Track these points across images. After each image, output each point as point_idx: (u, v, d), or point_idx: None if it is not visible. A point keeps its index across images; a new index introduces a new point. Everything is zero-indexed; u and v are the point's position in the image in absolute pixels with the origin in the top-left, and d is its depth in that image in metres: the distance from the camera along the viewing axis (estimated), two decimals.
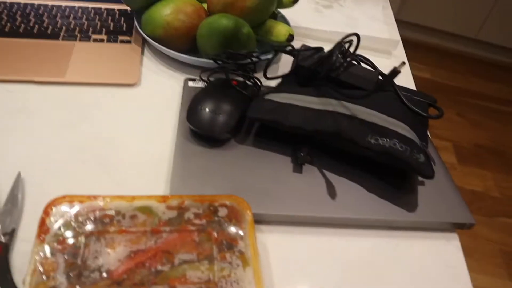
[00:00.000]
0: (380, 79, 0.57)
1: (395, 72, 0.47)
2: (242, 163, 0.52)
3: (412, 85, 0.75)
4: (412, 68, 2.45)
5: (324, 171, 0.53)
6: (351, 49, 0.64)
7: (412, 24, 2.62)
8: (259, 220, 0.48)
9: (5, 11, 0.71)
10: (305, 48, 0.61)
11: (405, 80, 0.76)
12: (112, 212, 0.41)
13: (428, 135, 0.61)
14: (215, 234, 0.41)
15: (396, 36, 0.88)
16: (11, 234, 0.42)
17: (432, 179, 0.51)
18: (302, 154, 0.53)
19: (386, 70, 0.76)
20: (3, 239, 0.41)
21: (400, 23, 2.67)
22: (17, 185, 0.46)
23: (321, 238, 0.48)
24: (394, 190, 0.52)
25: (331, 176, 0.53)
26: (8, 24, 0.68)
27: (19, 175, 0.47)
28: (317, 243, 0.47)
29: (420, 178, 0.55)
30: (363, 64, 0.69)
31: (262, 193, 0.49)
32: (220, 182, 0.49)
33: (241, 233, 0.42)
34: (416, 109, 0.56)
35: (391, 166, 0.53)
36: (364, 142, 0.51)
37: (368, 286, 0.44)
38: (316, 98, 0.55)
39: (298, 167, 0.53)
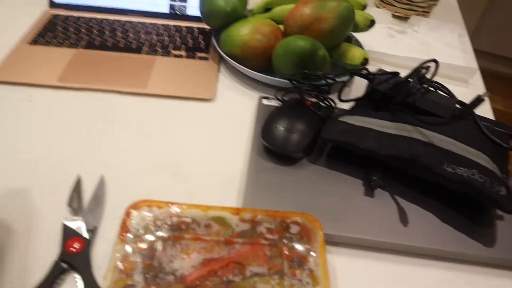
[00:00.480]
0: (461, 107, 0.55)
1: (479, 100, 0.46)
2: (314, 182, 0.52)
3: (490, 115, 0.72)
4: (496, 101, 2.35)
5: (397, 197, 0.52)
6: (428, 76, 0.62)
7: (484, 52, 2.52)
8: (327, 240, 0.47)
9: (96, 26, 0.76)
10: (381, 72, 0.60)
11: (484, 109, 0.73)
12: (188, 220, 0.42)
13: (508, 168, 0.58)
14: (286, 250, 0.41)
15: (473, 64, 0.85)
16: (93, 232, 0.44)
17: None
18: (374, 178, 0.52)
19: (462, 98, 0.74)
20: (86, 235, 0.43)
21: (479, 53, 2.57)
22: (101, 186, 0.49)
23: (390, 265, 0.47)
24: (469, 222, 0.50)
25: (404, 202, 0.51)
26: (98, 38, 0.73)
27: (102, 177, 0.50)
28: (385, 269, 0.46)
29: (499, 212, 0.52)
30: (439, 92, 0.68)
31: (332, 213, 0.48)
32: (291, 199, 0.49)
33: (312, 251, 0.41)
34: (498, 140, 0.54)
35: (467, 197, 0.51)
36: (440, 170, 0.50)
37: None
38: (391, 122, 0.55)
39: (369, 191, 0.52)
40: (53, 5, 0.80)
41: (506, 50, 2.44)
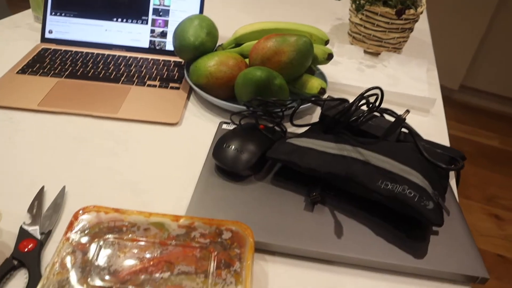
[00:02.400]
0: (388, 127, 0.59)
1: (399, 120, 0.51)
2: (258, 197, 0.56)
3: (446, 141, 0.76)
4: (480, 135, 2.38)
5: (335, 211, 0.56)
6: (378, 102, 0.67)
7: (481, 91, 2.57)
8: (264, 249, 0.51)
9: (81, 58, 0.84)
10: (330, 98, 0.66)
11: (440, 136, 0.77)
12: (129, 224, 0.47)
13: (450, 186, 0.62)
14: (215, 253, 0.45)
15: (437, 96, 0.90)
16: (47, 235, 0.49)
17: (440, 227, 0.52)
18: (314, 193, 0.56)
19: (422, 127, 0.78)
20: (39, 237, 0.48)
21: (468, 89, 2.63)
22: (61, 196, 0.54)
23: (323, 274, 0.50)
24: (403, 236, 0.53)
25: (341, 216, 0.55)
26: (81, 69, 0.80)
27: (63, 188, 0.56)
28: (319, 278, 0.49)
29: (434, 228, 0.56)
30: (388, 117, 0.72)
31: (270, 225, 0.52)
32: (233, 212, 0.54)
33: (240, 256, 0.45)
34: (432, 160, 0.58)
35: (402, 213, 0.54)
36: (374, 186, 0.54)
37: None
38: (334, 143, 0.59)
39: (310, 206, 0.56)
40: (44, 40, 0.88)
41: (501, 88, 2.49)
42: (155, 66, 0.83)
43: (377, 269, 0.51)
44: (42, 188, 0.55)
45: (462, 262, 0.51)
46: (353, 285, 0.49)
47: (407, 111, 0.51)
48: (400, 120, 0.50)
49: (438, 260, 0.51)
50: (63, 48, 0.87)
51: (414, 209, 0.51)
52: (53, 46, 0.87)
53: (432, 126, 0.80)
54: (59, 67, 0.80)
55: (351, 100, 0.84)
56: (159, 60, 0.86)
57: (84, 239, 0.45)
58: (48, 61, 0.82)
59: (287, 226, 0.53)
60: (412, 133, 0.61)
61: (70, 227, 0.46)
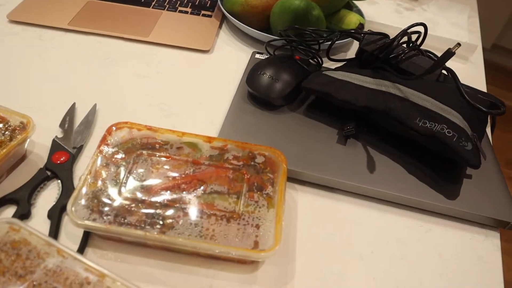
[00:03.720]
0: (434, 60, 0.57)
1: (448, 53, 0.48)
2: (290, 127, 0.55)
3: (483, 90, 0.73)
4: (507, 98, 2.30)
5: (368, 147, 0.55)
6: (419, 42, 0.64)
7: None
8: (294, 177, 0.50)
9: None
10: (370, 32, 0.63)
11: (478, 85, 0.74)
12: (162, 142, 0.46)
13: (486, 132, 0.60)
14: (248, 175, 0.44)
15: (477, 43, 0.86)
16: (79, 149, 0.49)
17: (477, 169, 0.50)
18: (348, 127, 0.54)
19: (460, 74, 0.75)
20: (72, 151, 0.48)
21: (501, 49, 2.53)
22: (92, 113, 0.54)
23: (352, 207, 0.49)
24: (436, 176, 0.52)
25: (373, 152, 0.54)
26: None
27: (95, 105, 0.55)
28: (347, 210, 0.49)
29: (468, 172, 0.54)
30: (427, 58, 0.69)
31: (301, 154, 0.51)
32: (265, 139, 0.53)
33: (272, 180, 0.45)
34: (473, 102, 0.55)
35: (437, 151, 0.53)
36: (412, 123, 0.52)
37: (389, 262, 0.45)
38: (371, 78, 0.57)
39: (342, 139, 0.55)
40: None
41: None
42: None
43: (406, 206, 0.51)
44: (74, 104, 0.55)
45: (494, 206, 0.50)
46: (382, 219, 0.49)
47: (458, 44, 0.48)
48: (450, 54, 0.48)
49: (470, 202, 0.50)
50: None
51: (452, 149, 0.50)
52: None
53: (470, 74, 0.77)
54: None
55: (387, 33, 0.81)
56: None
57: (117, 153, 0.44)
58: None
59: (319, 157, 0.52)
60: (453, 74, 0.58)
61: (104, 140, 0.45)
